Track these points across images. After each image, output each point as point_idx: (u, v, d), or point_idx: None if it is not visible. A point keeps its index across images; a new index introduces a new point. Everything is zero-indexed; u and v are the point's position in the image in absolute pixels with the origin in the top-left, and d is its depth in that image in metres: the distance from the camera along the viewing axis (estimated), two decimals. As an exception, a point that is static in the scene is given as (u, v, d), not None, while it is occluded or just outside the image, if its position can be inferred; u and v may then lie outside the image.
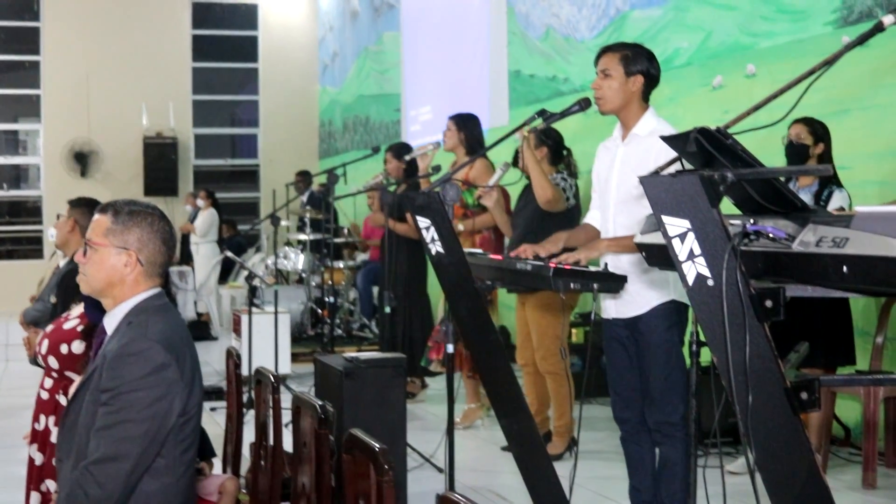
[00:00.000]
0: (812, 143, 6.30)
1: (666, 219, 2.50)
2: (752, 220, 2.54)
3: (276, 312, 9.51)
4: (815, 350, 6.19)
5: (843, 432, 7.11)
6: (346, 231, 14.04)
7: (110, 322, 3.55)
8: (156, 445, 3.35)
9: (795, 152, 6.26)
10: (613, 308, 4.90)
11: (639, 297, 4.75)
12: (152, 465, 3.38)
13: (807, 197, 6.21)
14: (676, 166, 2.90)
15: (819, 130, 6.32)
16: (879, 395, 6.13)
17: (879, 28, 2.90)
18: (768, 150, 6.32)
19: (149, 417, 3.30)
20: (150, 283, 3.55)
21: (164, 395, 3.34)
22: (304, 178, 15.12)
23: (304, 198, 14.36)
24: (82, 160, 20.03)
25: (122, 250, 3.49)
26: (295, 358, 10.65)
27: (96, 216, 3.57)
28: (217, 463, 4.66)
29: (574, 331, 8.96)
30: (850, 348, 6.47)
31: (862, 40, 2.91)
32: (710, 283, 2.46)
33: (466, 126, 8.05)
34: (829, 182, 6.22)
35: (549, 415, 7.42)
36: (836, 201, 6.12)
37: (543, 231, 6.67)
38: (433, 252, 4.50)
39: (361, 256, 13.89)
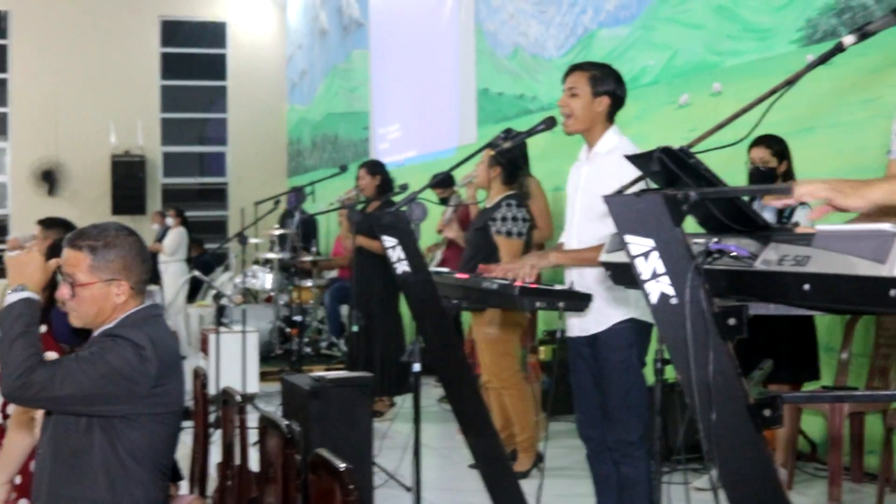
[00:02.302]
0: (777, 164, 6.35)
1: (629, 238, 2.51)
2: (715, 239, 2.56)
3: (244, 331, 9.50)
4: (781, 366, 6.23)
5: (809, 447, 7.15)
6: (315, 250, 14.02)
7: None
8: (97, 409, 3.41)
9: (763, 177, 6.29)
10: (577, 326, 4.91)
11: (599, 315, 4.76)
12: (127, 475, 3.43)
13: (770, 214, 6.25)
14: (641, 185, 2.91)
15: (780, 148, 6.37)
16: (844, 411, 6.16)
17: (840, 48, 2.92)
18: (734, 168, 6.38)
19: (106, 375, 3.38)
20: (139, 300, 3.64)
21: (129, 378, 3.40)
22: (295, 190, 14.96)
23: (296, 218, 14.27)
24: (50, 179, 19.94)
25: (112, 281, 3.54)
26: (263, 377, 10.63)
27: (70, 251, 3.59)
28: (184, 484, 4.64)
29: (543, 348, 8.98)
30: (814, 364, 6.52)
31: (823, 60, 2.93)
32: (674, 301, 2.47)
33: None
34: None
35: (514, 431, 7.43)
36: (799, 218, 6.16)
37: (488, 251, 6.72)
38: (399, 271, 4.50)
39: (330, 274, 13.86)
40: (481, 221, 7.02)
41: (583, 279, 4.78)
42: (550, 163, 8.09)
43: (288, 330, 12.57)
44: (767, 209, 6.28)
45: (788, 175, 6.37)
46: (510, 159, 7.10)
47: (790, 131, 6.55)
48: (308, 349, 12.78)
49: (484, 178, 7.10)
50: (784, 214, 6.23)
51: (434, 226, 9.22)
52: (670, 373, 3.44)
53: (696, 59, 8.44)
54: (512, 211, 6.89)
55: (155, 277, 16.16)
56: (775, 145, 6.36)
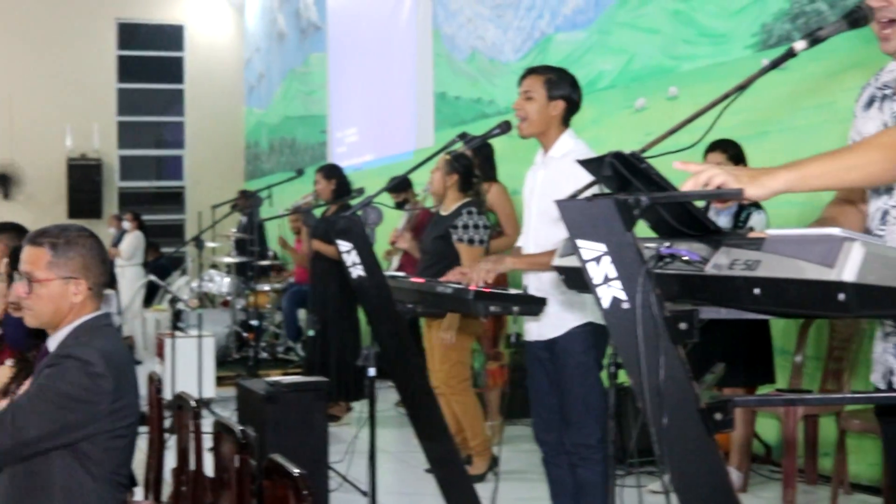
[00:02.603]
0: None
1: (581, 242, 2.51)
2: (666, 244, 2.56)
3: (199, 336, 9.45)
4: (736, 369, 6.28)
5: (764, 450, 7.19)
6: (272, 254, 13.98)
7: (54, 342, 3.57)
8: (63, 440, 3.35)
9: (717, 182, 6.31)
10: (535, 330, 4.92)
11: (556, 319, 4.77)
12: (84, 489, 3.41)
13: (726, 218, 6.28)
14: (596, 189, 2.92)
15: (735, 153, 6.40)
16: (798, 414, 6.20)
17: (791, 54, 2.93)
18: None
19: (67, 407, 3.35)
20: (95, 303, 3.63)
21: (89, 401, 3.37)
22: (245, 196, 14.95)
23: (244, 219, 14.23)
24: (5, 182, 19.79)
25: (70, 280, 3.52)
26: (220, 381, 10.57)
27: (30, 248, 3.57)
28: (139, 490, 4.61)
29: (503, 352, 8.98)
30: (769, 367, 6.56)
31: (775, 65, 2.94)
32: (626, 305, 2.47)
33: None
34: (748, 203, 6.29)
35: (467, 436, 7.43)
36: (755, 223, 6.20)
37: (451, 259, 6.71)
38: (354, 276, 4.49)
39: (289, 278, 13.83)
40: (441, 229, 6.99)
41: (540, 283, 4.79)
42: (508, 167, 8.09)
43: (245, 334, 12.52)
44: (723, 214, 6.32)
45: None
46: (466, 166, 7.10)
47: (746, 135, 6.59)
48: (265, 353, 12.74)
49: (440, 186, 7.10)
50: (740, 219, 6.26)
51: (389, 230, 9.21)
52: (624, 376, 3.45)
53: (652, 64, 8.48)
54: (473, 218, 6.89)
55: (111, 282, 16.07)
56: (731, 149, 6.39)
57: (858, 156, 2.72)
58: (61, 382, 3.38)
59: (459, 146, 4.93)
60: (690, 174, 2.53)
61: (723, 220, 6.30)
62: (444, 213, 7.10)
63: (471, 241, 6.84)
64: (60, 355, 3.46)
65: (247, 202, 13.40)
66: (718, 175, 2.51)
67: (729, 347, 6.23)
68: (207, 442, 4.92)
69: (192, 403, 4.34)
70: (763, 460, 7.15)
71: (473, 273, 4.51)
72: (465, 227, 6.86)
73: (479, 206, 7.05)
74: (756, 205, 6.31)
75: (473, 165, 7.18)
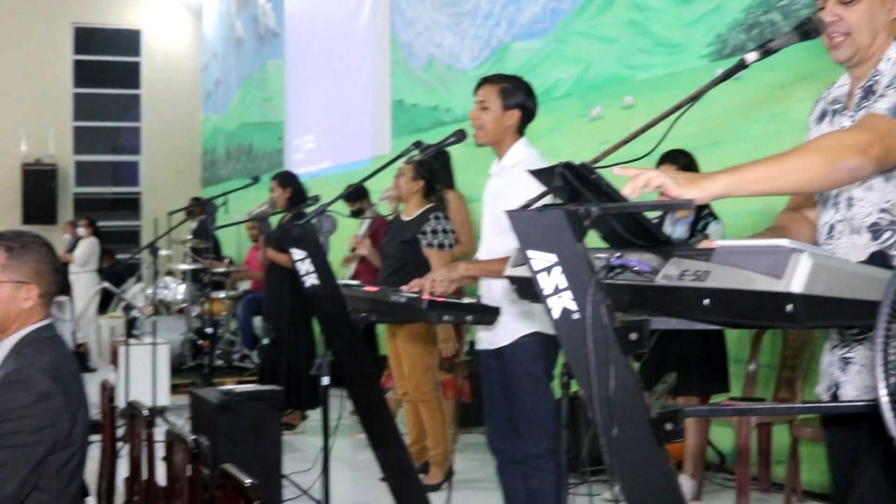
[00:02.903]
0: (684, 179, 6.39)
1: (532, 253, 2.51)
2: (617, 254, 2.57)
3: (154, 343, 9.40)
4: (691, 378, 6.31)
5: (718, 458, 7.22)
6: (228, 261, 13.92)
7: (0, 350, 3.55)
8: (37, 474, 3.34)
9: (671, 193, 6.33)
10: (486, 339, 4.92)
11: (505, 328, 4.77)
12: (37, 500, 3.37)
13: (683, 228, 6.31)
14: (549, 199, 2.92)
15: (687, 163, 6.41)
16: (752, 422, 6.23)
17: (743, 65, 2.95)
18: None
19: (33, 444, 3.31)
20: (43, 312, 3.60)
21: (49, 425, 3.34)
22: (198, 203, 14.93)
23: (195, 225, 14.19)
24: (-42, 188, 19.65)
25: (21, 284, 3.50)
26: (175, 389, 10.50)
27: None
28: (91, 500, 4.57)
29: (457, 362, 8.97)
30: (724, 376, 6.58)
31: (727, 76, 2.96)
32: (576, 316, 2.47)
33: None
34: (704, 213, 6.32)
35: (427, 444, 7.42)
36: (712, 232, 6.22)
37: (416, 264, 6.70)
38: (308, 284, 4.48)
39: (243, 286, 13.77)
40: (408, 234, 6.97)
41: (490, 292, 4.79)
42: (465, 175, 8.10)
43: (200, 342, 12.46)
44: (680, 223, 6.35)
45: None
46: (432, 173, 7.11)
47: (700, 145, 6.61)
48: (220, 361, 12.69)
49: (407, 191, 7.08)
50: (697, 228, 6.29)
51: (344, 238, 9.19)
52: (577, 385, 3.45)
53: (608, 73, 8.51)
54: (441, 223, 6.89)
55: (65, 288, 15.95)
56: (682, 159, 6.40)
57: (797, 160, 2.73)
58: (15, 421, 3.33)
59: (415, 154, 4.93)
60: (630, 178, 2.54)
61: (680, 228, 6.33)
62: (406, 218, 7.09)
63: (441, 246, 6.84)
64: (2, 384, 3.42)
65: (199, 209, 13.40)
66: (657, 177, 2.52)
67: (684, 356, 6.27)
68: (160, 451, 4.90)
69: (145, 412, 4.31)
70: (717, 468, 7.18)
71: (427, 283, 4.50)
72: (434, 231, 6.86)
73: (443, 210, 7.06)
74: (713, 214, 6.34)
75: (438, 171, 7.19)
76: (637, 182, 2.51)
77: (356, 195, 9.37)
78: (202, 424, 5.95)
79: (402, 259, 6.96)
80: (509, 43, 9.95)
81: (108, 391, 4.91)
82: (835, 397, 3.16)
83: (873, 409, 1.96)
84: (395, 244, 7.07)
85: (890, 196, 2.99)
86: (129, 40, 21.38)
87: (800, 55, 5.77)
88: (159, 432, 4.40)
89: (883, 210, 2.99)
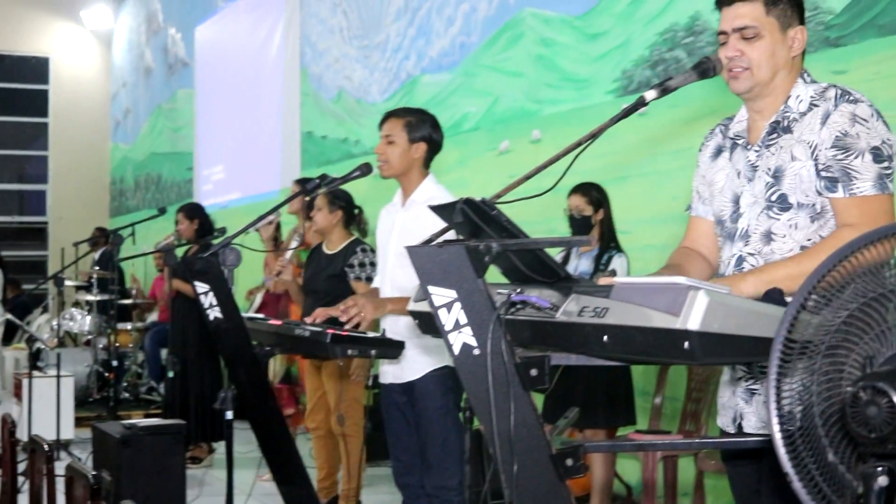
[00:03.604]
0: (593, 212, 6.44)
1: (433, 289, 2.51)
2: (518, 290, 2.57)
3: (58, 376, 9.26)
4: (597, 410, 6.34)
5: (626, 490, 7.24)
6: (133, 291, 13.77)
7: None
8: None
9: (578, 225, 6.37)
10: (391, 373, 4.91)
11: (414, 363, 4.77)
12: None
13: (588, 262, 6.35)
14: (448, 235, 2.93)
15: (597, 197, 6.46)
16: (657, 455, 6.27)
17: (642, 103, 2.99)
18: (554, 214, 6.47)
19: None
20: None
21: None
22: (103, 234, 14.73)
23: (97, 255, 14.02)
24: None
25: None
26: (80, 422, 10.34)
27: None
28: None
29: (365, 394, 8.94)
30: (630, 408, 6.61)
31: (626, 114, 2.99)
32: (476, 352, 2.48)
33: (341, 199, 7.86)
34: (609, 246, 6.37)
35: (338, 478, 7.37)
36: (616, 265, 6.27)
37: (344, 297, 6.66)
38: (211, 318, 4.44)
39: (150, 317, 13.62)
40: (336, 268, 6.91)
41: (396, 326, 4.78)
42: (374, 206, 8.07)
43: (107, 374, 12.29)
44: (585, 257, 6.38)
45: (607, 222, 6.47)
46: (348, 201, 7.07)
47: (607, 179, 6.67)
48: (127, 394, 12.53)
49: (327, 224, 7.02)
50: (602, 262, 6.33)
51: (249, 270, 9.11)
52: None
53: (516, 107, 8.56)
54: (368, 256, 6.83)
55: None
56: (593, 193, 6.45)
57: (819, 261, 2.80)
58: None
59: (320, 188, 4.92)
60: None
61: (584, 262, 6.37)
62: (330, 251, 7.02)
63: (369, 279, 6.77)
64: None
65: (103, 239, 13.26)
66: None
67: (590, 389, 6.30)
68: (62, 486, 4.82)
69: (46, 447, 4.24)
70: (624, 501, 7.21)
71: (351, 307, 4.48)
72: (362, 264, 6.80)
73: (365, 241, 7.04)
74: (618, 248, 6.40)
75: (352, 198, 7.15)
76: None
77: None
78: (105, 459, 5.86)
79: (331, 293, 6.85)
80: (418, 76, 9.99)
81: (9, 425, 4.83)
82: (740, 428, 3.20)
83: (769, 444, 1.99)
84: (324, 278, 6.97)
85: (813, 235, 3.08)
86: (37, 68, 21.12)
87: (704, 92, 5.85)
88: (61, 467, 4.34)
89: (803, 248, 3.07)
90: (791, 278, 2.81)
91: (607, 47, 7.58)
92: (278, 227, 9.04)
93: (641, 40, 7.26)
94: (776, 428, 1.97)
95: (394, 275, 4.89)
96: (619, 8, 7.48)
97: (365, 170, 4.82)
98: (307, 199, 6.93)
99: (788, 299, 2.80)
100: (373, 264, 6.80)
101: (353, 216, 7.13)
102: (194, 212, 9.25)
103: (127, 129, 20.13)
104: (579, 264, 6.39)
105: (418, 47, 10.00)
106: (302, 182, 8.44)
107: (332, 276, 6.91)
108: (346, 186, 5.48)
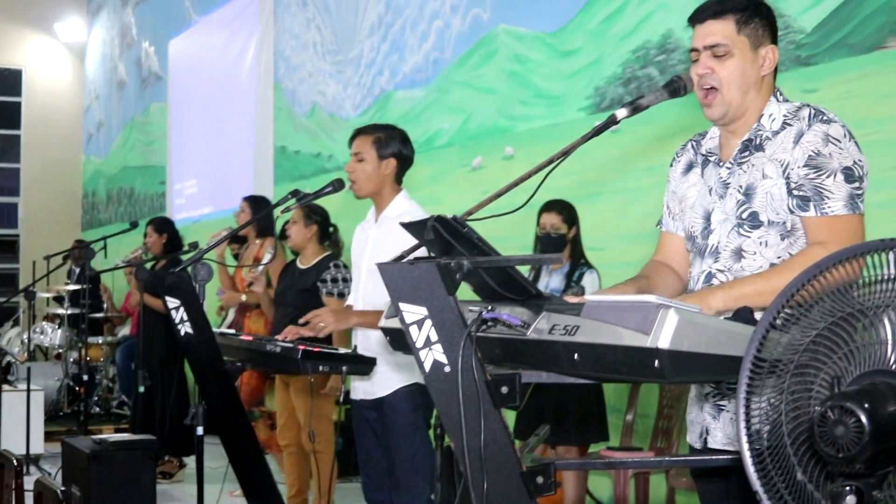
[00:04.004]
0: (567, 230, 6.46)
1: (404, 306, 2.51)
2: (488, 307, 2.58)
3: (28, 390, 9.22)
4: (569, 427, 6.35)
5: (597, 508, 7.25)
6: (105, 306, 13.71)
7: None
8: None
9: (553, 243, 6.38)
10: (361, 389, 4.91)
11: (384, 379, 4.77)
12: None
13: (559, 278, 6.36)
14: (420, 252, 2.93)
15: (570, 214, 6.48)
16: (629, 472, 6.27)
17: (613, 121, 3.00)
18: (525, 231, 6.49)
19: None
20: None
21: None
22: (82, 246, 14.61)
23: (77, 270, 13.93)
24: None
25: None
26: (50, 437, 10.30)
27: None
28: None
29: (335, 409, 8.92)
30: (602, 425, 6.62)
31: (597, 132, 3.01)
32: (447, 369, 2.48)
33: (261, 208, 8.01)
34: (580, 263, 6.39)
35: (308, 495, 7.34)
36: (587, 282, 6.28)
37: (312, 310, 6.64)
38: (182, 333, 4.43)
39: (122, 331, 13.56)
40: (308, 282, 6.90)
41: (368, 342, 4.78)
42: (346, 223, 8.06)
43: (78, 388, 12.24)
44: (556, 273, 6.40)
45: (577, 240, 6.49)
46: (323, 216, 7.07)
47: (579, 196, 6.69)
48: (98, 408, 12.48)
49: (301, 239, 7.01)
50: (573, 279, 6.34)
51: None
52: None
53: (489, 123, 8.57)
54: (341, 272, 6.82)
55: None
56: (566, 212, 6.47)
57: (784, 279, 2.81)
58: None
59: (291, 203, 4.92)
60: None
61: (556, 279, 6.38)
62: (303, 266, 7.01)
63: (341, 295, 6.76)
64: None
65: (82, 252, 13.19)
66: None
67: (562, 405, 6.30)
68: (30, 501, 4.79)
69: (15, 461, 4.21)
70: (596, 517, 7.21)
71: (316, 319, 4.49)
72: (335, 280, 6.79)
73: (340, 257, 7.03)
74: (588, 264, 6.42)
75: (328, 214, 7.15)
76: None
77: (239, 240, 9.30)
78: (75, 474, 5.83)
79: (300, 308, 6.84)
80: (392, 91, 9.99)
81: (-25, 440, 4.80)
82: (705, 443, 3.21)
83: (739, 462, 2.00)
84: (295, 292, 6.96)
85: (783, 253, 3.10)
86: (9, 80, 21.01)
87: (676, 109, 5.87)
88: (30, 482, 4.31)
89: (773, 265, 3.09)
90: (759, 294, 2.84)
91: (580, 64, 7.60)
92: (243, 241, 9.01)
93: (614, 58, 7.28)
94: (745, 446, 1.97)
95: (366, 291, 4.90)
96: (591, 25, 7.50)
97: (337, 185, 4.82)
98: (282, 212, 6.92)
99: (759, 315, 2.84)
100: (345, 280, 6.79)
101: (328, 232, 7.13)
102: (163, 226, 9.25)
103: (100, 143, 20.06)
104: (550, 281, 6.40)
105: (392, 63, 10.00)
106: (251, 199, 8.46)
107: (303, 291, 6.90)
108: (321, 202, 5.48)
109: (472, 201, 3.01)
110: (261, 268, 8.43)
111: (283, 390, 7.25)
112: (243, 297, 7.96)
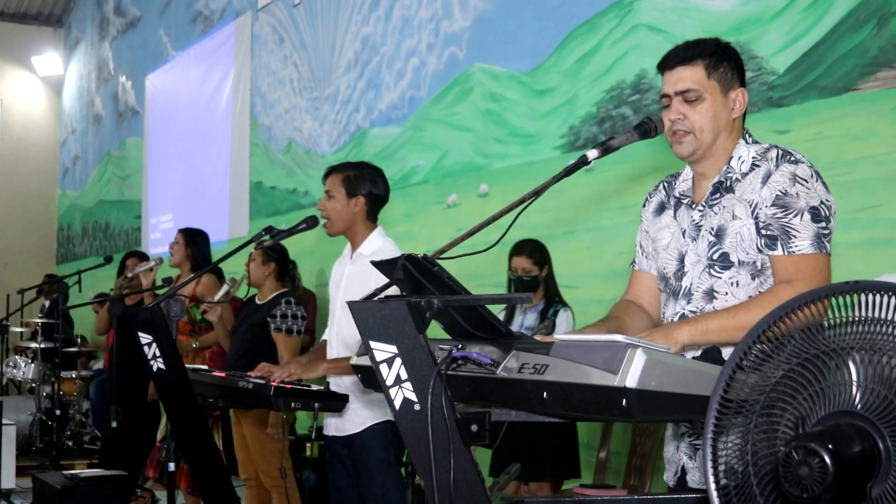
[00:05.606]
0: (539, 271, 6.46)
1: (374, 344, 2.52)
2: (459, 346, 2.59)
3: (0, 424, 9.16)
4: (542, 464, 6.34)
5: (569, 546, 7.23)
6: (79, 339, 13.65)
7: None
8: None
9: (526, 285, 6.38)
10: (333, 425, 4.91)
11: (356, 416, 4.78)
12: None
13: (533, 316, 6.37)
14: (391, 291, 2.94)
15: (540, 255, 6.48)
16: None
17: (584, 161, 3.02)
18: (499, 269, 6.50)
19: None
20: None
21: None
22: (52, 281, 14.56)
23: (47, 303, 13.89)
24: None
25: None
26: (21, 471, 10.22)
27: None
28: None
29: (308, 444, 8.87)
30: (575, 462, 6.62)
31: (569, 172, 3.03)
32: (417, 407, 2.48)
33: (195, 241, 8.04)
34: (554, 301, 6.40)
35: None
36: (560, 320, 6.29)
37: (264, 347, 6.64)
38: (154, 368, 4.43)
39: (96, 366, 13.50)
40: (258, 318, 6.91)
41: (340, 379, 4.79)
42: (318, 260, 8.09)
43: (51, 423, 12.16)
44: (530, 311, 6.41)
45: (550, 279, 6.50)
46: (282, 254, 7.08)
47: (552, 234, 6.72)
48: (70, 443, 12.40)
49: (259, 276, 7.03)
50: (548, 315, 6.35)
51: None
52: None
53: (464, 161, 8.60)
54: (291, 308, 6.82)
55: None
56: (536, 253, 6.47)
57: (751, 316, 2.83)
58: None
59: (266, 239, 4.93)
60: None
61: (530, 317, 6.39)
62: (259, 301, 7.04)
63: (289, 332, 6.77)
64: None
65: (52, 286, 13.14)
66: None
67: (535, 442, 6.30)
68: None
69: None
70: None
71: (277, 371, 4.50)
72: (284, 316, 6.80)
73: (295, 295, 7.04)
74: (562, 302, 6.43)
75: (287, 251, 7.17)
76: None
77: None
78: (45, 510, 5.81)
79: (250, 342, 6.88)
80: (368, 129, 10.02)
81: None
82: (682, 482, 3.22)
83: (707, 501, 2.01)
84: (246, 327, 7.00)
85: (753, 292, 3.13)
86: (-15, 113, 21.02)
87: (649, 149, 5.90)
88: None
89: None
90: (725, 330, 2.88)
91: (555, 103, 7.64)
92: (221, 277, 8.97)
93: (588, 97, 7.33)
94: (712, 485, 1.99)
95: (339, 327, 4.91)
96: (566, 65, 7.55)
97: (311, 223, 4.84)
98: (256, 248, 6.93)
99: (726, 351, 2.86)
100: (296, 317, 6.80)
101: (286, 269, 7.15)
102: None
103: (75, 177, 20.02)
104: (525, 319, 6.41)
105: (368, 100, 10.04)
106: (184, 232, 8.39)
107: (253, 326, 6.92)
108: (290, 239, 5.49)
109: (448, 238, 3.03)
110: (218, 296, 8.41)
111: (237, 426, 7.22)
112: (194, 345, 7.90)
